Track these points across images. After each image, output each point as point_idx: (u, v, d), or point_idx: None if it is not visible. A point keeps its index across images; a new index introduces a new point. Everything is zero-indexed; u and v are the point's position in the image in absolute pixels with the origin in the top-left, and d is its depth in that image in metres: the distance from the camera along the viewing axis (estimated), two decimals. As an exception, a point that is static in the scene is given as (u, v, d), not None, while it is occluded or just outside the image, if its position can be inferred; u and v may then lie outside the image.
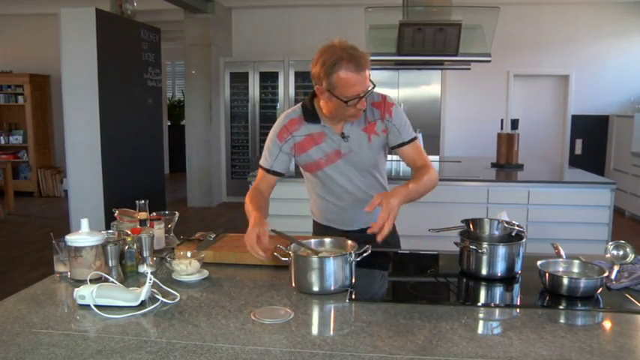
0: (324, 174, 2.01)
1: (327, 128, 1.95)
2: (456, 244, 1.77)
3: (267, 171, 2.02)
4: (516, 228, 1.78)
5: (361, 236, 1.81)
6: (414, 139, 2.00)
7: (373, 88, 1.82)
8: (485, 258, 1.68)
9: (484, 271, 1.70)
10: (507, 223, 1.81)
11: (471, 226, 1.88)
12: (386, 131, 1.98)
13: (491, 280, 1.70)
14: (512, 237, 1.78)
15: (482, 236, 1.85)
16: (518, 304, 1.60)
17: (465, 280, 1.74)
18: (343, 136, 1.95)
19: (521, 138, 4.35)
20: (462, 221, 1.91)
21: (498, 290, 1.67)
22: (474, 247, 1.69)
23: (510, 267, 1.70)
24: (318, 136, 1.96)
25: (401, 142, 1.98)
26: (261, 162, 2.04)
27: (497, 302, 1.62)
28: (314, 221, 2.27)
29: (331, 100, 1.81)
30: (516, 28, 7.24)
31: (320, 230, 2.20)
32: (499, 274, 1.70)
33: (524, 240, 1.73)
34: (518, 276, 1.73)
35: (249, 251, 1.71)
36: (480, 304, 1.57)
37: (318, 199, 2.15)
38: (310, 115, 1.95)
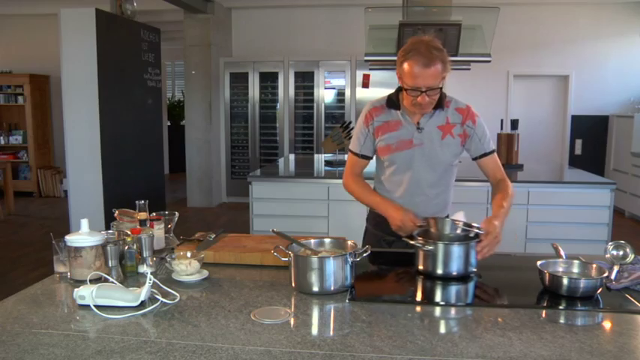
0: (391, 159, 2.10)
1: (404, 118, 2.06)
2: (407, 243, 1.79)
3: (357, 155, 2.16)
4: (475, 230, 1.79)
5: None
6: (494, 151, 2.12)
7: (439, 89, 1.91)
8: (437, 257, 1.70)
9: (439, 271, 1.71)
10: (465, 224, 1.82)
11: (432, 225, 1.90)
12: (463, 137, 2.07)
13: (446, 279, 1.72)
14: (470, 237, 1.79)
15: (442, 236, 1.86)
16: (472, 302, 1.61)
17: (421, 279, 1.74)
18: (418, 127, 2.05)
19: (521, 138, 4.36)
20: (423, 220, 1.93)
21: (454, 289, 1.68)
22: (419, 245, 1.72)
23: (464, 266, 1.71)
24: (395, 123, 2.07)
25: (483, 152, 2.09)
26: (351, 147, 2.19)
27: (453, 301, 1.62)
28: (369, 217, 2.29)
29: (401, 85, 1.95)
30: (516, 28, 7.24)
31: (373, 228, 2.24)
32: (454, 273, 1.71)
33: (474, 242, 1.74)
34: (473, 275, 1.75)
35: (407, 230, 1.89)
36: (479, 304, 1.57)
37: (379, 186, 2.20)
38: (392, 102, 2.08)
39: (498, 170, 2.11)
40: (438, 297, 1.66)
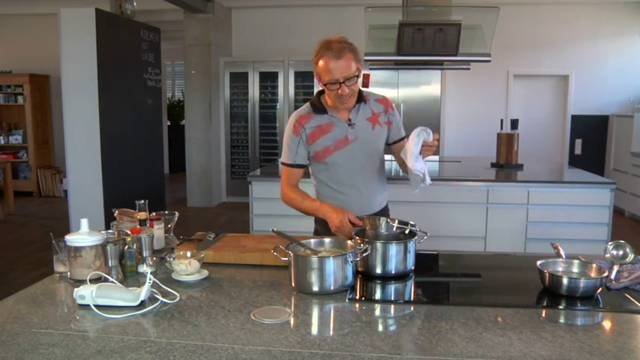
0: (333, 160, 2.15)
1: (334, 118, 2.15)
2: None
3: (292, 165, 2.20)
4: (409, 227, 1.81)
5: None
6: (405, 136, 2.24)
7: (357, 77, 2.01)
8: (375, 256, 1.70)
9: (378, 270, 1.71)
10: (400, 222, 1.84)
11: (368, 224, 1.91)
12: (388, 124, 2.22)
13: (385, 278, 1.72)
14: (406, 235, 1.81)
15: (378, 235, 1.87)
16: (412, 300, 1.61)
17: (360, 279, 1.72)
18: (350, 123, 2.14)
19: (521, 138, 4.35)
20: (359, 218, 1.95)
21: (393, 287, 1.68)
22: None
23: (401, 264, 1.71)
24: (327, 125, 2.15)
25: (400, 137, 2.26)
26: (283, 159, 2.23)
27: (394, 298, 1.62)
28: (317, 220, 2.30)
29: (320, 81, 2.04)
30: (516, 28, 7.24)
31: (322, 229, 2.23)
32: (392, 272, 1.71)
33: (413, 239, 1.75)
34: (411, 274, 1.75)
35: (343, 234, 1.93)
36: (479, 304, 1.57)
37: (325, 189, 2.23)
38: (317, 108, 2.16)
39: None
40: (437, 297, 1.66)
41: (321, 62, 1.99)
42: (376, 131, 2.18)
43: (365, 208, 2.19)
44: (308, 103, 2.20)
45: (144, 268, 1.74)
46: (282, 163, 2.23)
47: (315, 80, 2.10)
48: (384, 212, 2.32)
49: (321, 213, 2.08)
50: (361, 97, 2.15)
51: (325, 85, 2.02)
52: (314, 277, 1.54)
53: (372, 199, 2.24)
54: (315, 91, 7.86)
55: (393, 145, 2.27)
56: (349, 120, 2.14)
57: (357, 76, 2.02)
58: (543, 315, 1.44)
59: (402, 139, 2.24)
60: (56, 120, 8.41)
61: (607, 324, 1.41)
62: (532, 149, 6.55)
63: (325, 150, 2.14)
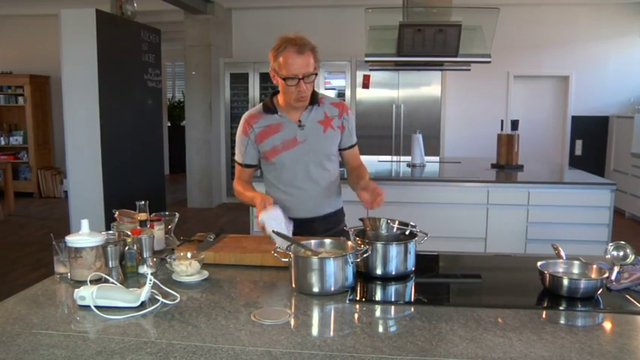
0: (280, 160, 2.16)
1: (284, 118, 2.16)
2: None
3: (241, 165, 2.25)
4: (409, 228, 1.80)
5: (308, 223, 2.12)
6: (357, 143, 2.32)
7: (315, 75, 2.04)
8: (375, 257, 1.69)
9: (378, 271, 1.71)
10: (400, 223, 1.84)
11: (368, 225, 1.91)
12: (342, 128, 2.21)
13: (386, 279, 1.71)
14: (407, 236, 1.80)
15: (378, 235, 1.86)
16: (412, 300, 1.60)
17: (360, 280, 1.70)
18: (300, 124, 2.15)
19: (522, 139, 4.35)
20: (360, 219, 1.95)
21: (393, 288, 1.68)
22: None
23: (402, 265, 1.71)
24: (276, 125, 2.16)
25: (351, 144, 2.27)
26: (236, 158, 2.29)
27: (394, 299, 1.62)
28: None
29: (279, 82, 2.06)
30: (516, 29, 7.24)
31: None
32: (393, 273, 1.71)
33: (414, 239, 1.75)
34: (412, 275, 1.75)
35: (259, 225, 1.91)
36: (480, 305, 1.57)
37: (273, 190, 2.25)
38: (268, 107, 2.18)
39: (358, 158, 2.32)
40: (437, 298, 1.66)
41: (281, 58, 2.00)
42: (328, 134, 2.17)
43: (312, 211, 2.22)
44: (261, 103, 2.23)
45: (144, 269, 1.74)
46: (235, 161, 2.29)
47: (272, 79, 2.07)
48: (337, 216, 2.32)
49: (254, 202, 2.06)
50: (315, 99, 2.15)
51: (284, 79, 2.02)
52: (314, 278, 1.54)
53: (320, 202, 2.23)
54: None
55: (342, 152, 2.27)
56: (299, 121, 2.14)
57: (315, 75, 2.04)
58: (544, 316, 1.44)
59: (352, 146, 2.27)
60: (56, 121, 8.41)
61: (607, 325, 1.41)
62: (532, 150, 6.55)
63: (273, 150, 2.15)
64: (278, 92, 2.17)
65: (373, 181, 2.06)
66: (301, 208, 2.20)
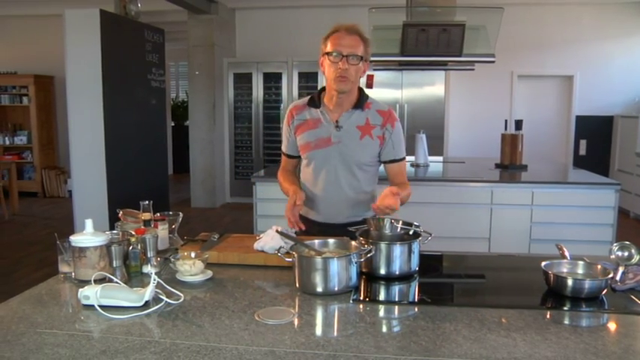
0: (310, 157, 2.13)
1: (324, 115, 2.10)
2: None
3: (285, 154, 2.26)
4: (413, 228, 1.80)
5: (328, 230, 2.04)
6: (404, 159, 2.17)
7: (361, 61, 1.98)
8: (379, 257, 1.69)
9: (382, 270, 1.70)
10: (404, 222, 1.82)
11: (372, 225, 1.90)
12: (381, 139, 2.10)
13: (389, 279, 1.71)
14: (410, 236, 1.79)
15: (382, 235, 1.85)
16: (416, 300, 1.60)
17: (364, 280, 1.70)
18: (337, 125, 2.08)
19: (525, 139, 4.34)
20: (364, 220, 1.94)
21: (397, 288, 1.68)
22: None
23: (405, 265, 1.70)
24: (315, 121, 2.12)
25: (393, 158, 2.14)
26: (282, 146, 2.28)
27: (398, 299, 1.61)
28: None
29: (325, 65, 2.00)
30: (520, 28, 7.23)
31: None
32: (397, 273, 1.70)
33: (418, 239, 1.74)
34: (416, 274, 1.74)
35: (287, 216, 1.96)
36: (483, 305, 1.56)
37: (303, 186, 2.21)
38: (313, 101, 2.13)
39: (401, 175, 2.17)
40: (441, 298, 1.65)
41: (330, 39, 1.97)
42: (364, 142, 2.07)
43: (331, 217, 2.15)
44: (309, 96, 2.19)
45: (148, 269, 1.74)
46: (281, 150, 2.29)
47: (320, 76, 2.08)
48: (348, 229, 1.97)
49: (288, 195, 2.07)
50: (361, 103, 2.08)
51: (327, 54, 1.97)
52: (318, 278, 1.54)
53: (342, 210, 2.13)
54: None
55: (386, 165, 2.16)
56: (337, 122, 2.08)
57: (362, 59, 1.99)
58: (548, 316, 1.43)
59: (394, 161, 2.14)
60: (61, 121, 8.44)
61: (612, 325, 1.40)
62: (536, 150, 6.54)
63: (307, 145, 2.13)
64: (324, 89, 2.13)
65: (399, 195, 1.90)
66: (322, 211, 2.16)
